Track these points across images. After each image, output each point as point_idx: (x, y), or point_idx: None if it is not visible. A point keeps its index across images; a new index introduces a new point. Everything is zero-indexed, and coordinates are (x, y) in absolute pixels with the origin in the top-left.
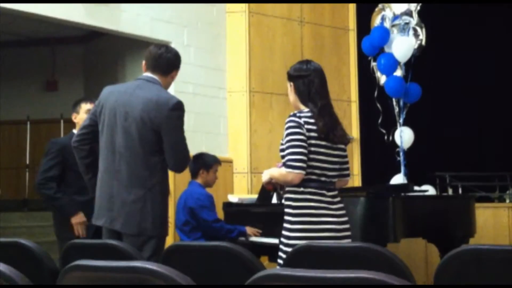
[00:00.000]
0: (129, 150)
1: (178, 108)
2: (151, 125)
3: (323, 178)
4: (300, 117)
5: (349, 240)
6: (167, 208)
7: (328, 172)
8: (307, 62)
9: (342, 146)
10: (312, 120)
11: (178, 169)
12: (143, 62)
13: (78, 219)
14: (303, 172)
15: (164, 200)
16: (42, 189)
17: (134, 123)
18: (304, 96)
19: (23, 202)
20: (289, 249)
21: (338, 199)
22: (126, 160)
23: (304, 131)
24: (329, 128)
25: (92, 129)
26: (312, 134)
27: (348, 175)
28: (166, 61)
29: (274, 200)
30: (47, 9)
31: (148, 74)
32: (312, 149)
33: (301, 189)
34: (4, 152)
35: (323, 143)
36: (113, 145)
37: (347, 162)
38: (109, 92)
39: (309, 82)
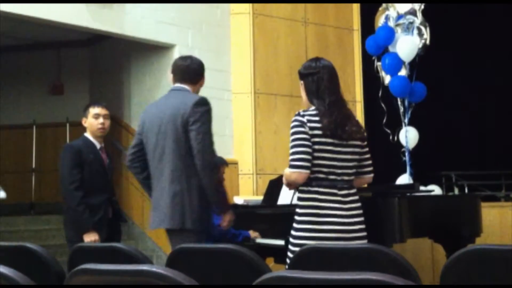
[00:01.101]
0: (167, 151)
1: (202, 104)
2: (181, 123)
3: (332, 177)
4: (303, 116)
5: (361, 242)
6: (205, 206)
7: (338, 170)
8: (317, 59)
9: (357, 143)
10: (316, 118)
11: (203, 166)
12: (171, 75)
13: (91, 237)
14: (305, 171)
15: (202, 198)
16: (67, 198)
17: (168, 126)
18: (312, 93)
19: (29, 205)
20: (296, 249)
21: (352, 198)
22: (166, 162)
23: (306, 129)
24: (337, 124)
25: (139, 148)
26: (316, 132)
27: (368, 173)
28: (194, 72)
29: (280, 201)
30: (52, 13)
31: (177, 84)
32: (317, 147)
33: (308, 188)
34: (10, 156)
35: (329, 140)
36: (155, 152)
37: (367, 159)
38: (146, 111)
39: (318, 79)
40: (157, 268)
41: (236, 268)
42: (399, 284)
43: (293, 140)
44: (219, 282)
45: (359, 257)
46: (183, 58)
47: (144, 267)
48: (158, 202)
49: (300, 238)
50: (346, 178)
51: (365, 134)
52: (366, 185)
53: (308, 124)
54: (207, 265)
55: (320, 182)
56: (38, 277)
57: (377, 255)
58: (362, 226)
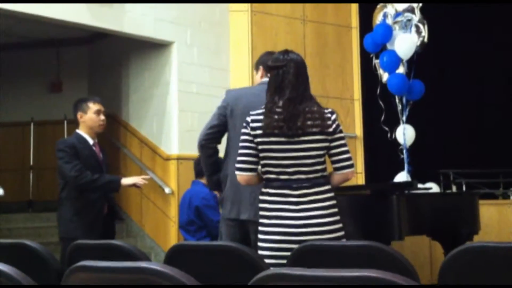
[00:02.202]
0: None
1: None
2: None
3: (283, 176)
4: (250, 115)
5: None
6: None
7: (289, 169)
8: (286, 52)
9: (317, 137)
10: (261, 117)
11: None
12: (259, 68)
13: (128, 178)
14: (245, 173)
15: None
16: (79, 180)
17: None
18: (271, 88)
19: (28, 203)
20: (261, 252)
21: (313, 197)
22: None
23: (249, 130)
24: (284, 121)
25: (219, 129)
26: (258, 131)
27: (344, 168)
28: None
29: None
30: (51, 11)
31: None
32: (261, 147)
33: (261, 189)
34: (8, 154)
35: (273, 139)
36: None
37: (340, 153)
38: (236, 96)
39: (283, 72)
40: (155, 265)
41: (235, 265)
42: (398, 281)
43: (239, 142)
44: (217, 279)
45: (358, 254)
46: (271, 54)
47: (142, 264)
48: (246, 192)
49: (259, 240)
50: (303, 176)
51: (335, 126)
52: (356, 183)
53: (251, 125)
54: (206, 263)
55: (270, 183)
56: (36, 274)
57: (375, 252)
58: (323, 228)
